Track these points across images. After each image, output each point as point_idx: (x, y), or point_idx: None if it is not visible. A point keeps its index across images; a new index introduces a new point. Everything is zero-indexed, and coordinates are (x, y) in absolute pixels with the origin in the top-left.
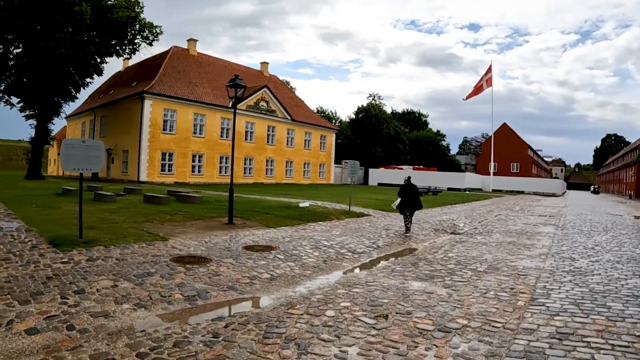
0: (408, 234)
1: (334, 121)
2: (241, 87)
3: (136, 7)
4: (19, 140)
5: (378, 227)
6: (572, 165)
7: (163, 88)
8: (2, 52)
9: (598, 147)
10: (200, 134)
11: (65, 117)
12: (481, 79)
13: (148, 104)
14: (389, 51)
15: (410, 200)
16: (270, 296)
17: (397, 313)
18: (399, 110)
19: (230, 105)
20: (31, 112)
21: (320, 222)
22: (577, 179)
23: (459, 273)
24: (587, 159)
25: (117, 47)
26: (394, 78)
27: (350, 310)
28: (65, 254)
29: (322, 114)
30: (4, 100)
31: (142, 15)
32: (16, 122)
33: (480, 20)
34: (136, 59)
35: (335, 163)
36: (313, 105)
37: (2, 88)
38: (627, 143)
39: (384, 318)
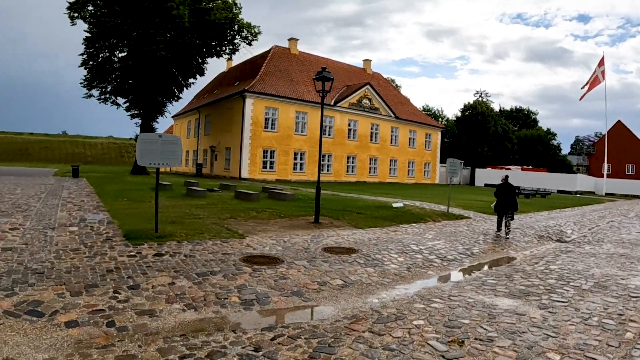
0: (509, 237)
1: (440, 119)
2: (328, 79)
3: (234, 8)
4: (131, 138)
5: (476, 232)
6: None
7: (264, 87)
8: (107, 56)
9: None
10: (302, 131)
11: (172, 116)
12: (593, 73)
13: (249, 102)
14: (495, 47)
15: (508, 200)
16: (336, 306)
17: (475, 339)
18: (507, 107)
19: (332, 103)
20: (136, 112)
21: (413, 224)
22: None
23: (559, 291)
24: None
25: (217, 48)
26: (502, 74)
27: (421, 331)
28: (135, 248)
29: (427, 112)
30: (111, 100)
31: (240, 16)
32: (129, 121)
33: (589, 11)
34: (239, 59)
35: (441, 162)
36: (419, 104)
37: (108, 89)
38: None
39: (458, 345)
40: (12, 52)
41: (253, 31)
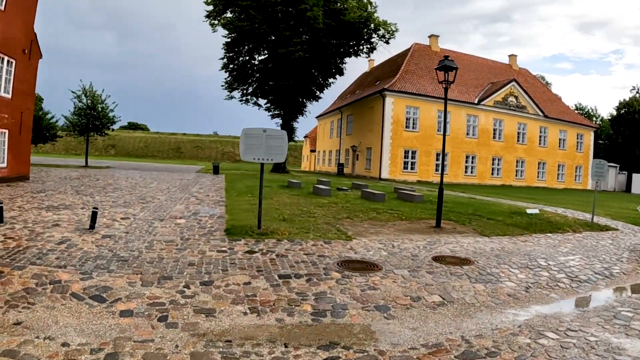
0: None
1: (594, 119)
2: (451, 69)
3: (369, 7)
4: None
5: (621, 247)
6: None
7: (404, 85)
8: (247, 60)
9: None
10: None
11: (316, 117)
12: None
13: (389, 101)
14: None
15: None
16: (420, 329)
17: None
18: None
19: (475, 101)
20: (276, 112)
21: (549, 234)
22: None
23: None
24: None
25: (355, 48)
26: None
27: None
28: (230, 243)
29: (580, 111)
30: (252, 101)
31: (375, 15)
32: (271, 122)
33: None
34: (381, 59)
35: None
36: (570, 102)
37: (249, 91)
38: None
39: None
40: (174, 58)
41: (390, 29)
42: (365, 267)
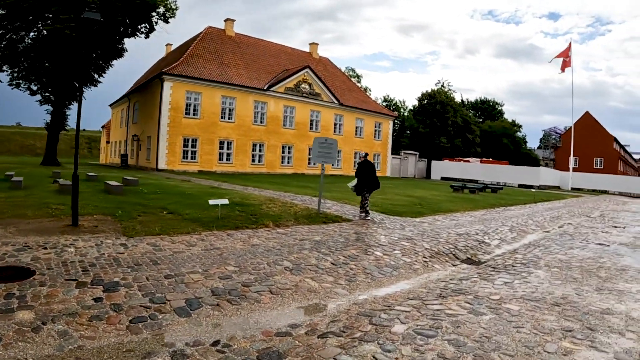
0: (368, 218)
1: (401, 110)
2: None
3: None
4: (83, 130)
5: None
6: None
7: (187, 69)
8: (17, 38)
9: None
10: (229, 118)
11: (109, 105)
12: (563, 55)
13: (168, 86)
14: (466, 42)
15: (368, 179)
16: None
17: None
18: (472, 99)
19: (264, 88)
20: (44, 97)
21: (237, 231)
22: None
23: None
24: None
25: (131, 28)
26: (474, 70)
27: None
28: None
29: (388, 103)
30: (25, 86)
31: None
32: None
33: (560, 9)
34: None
35: (395, 154)
36: (381, 95)
37: (21, 75)
38: None
39: None
40: None
41: (170, 6)
42: None
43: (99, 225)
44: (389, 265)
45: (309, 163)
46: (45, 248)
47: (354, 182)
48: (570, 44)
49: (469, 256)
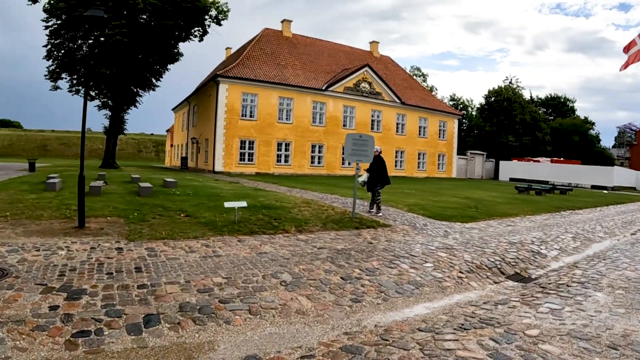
0: (380, 214)
1: (469, 109)
2: (98, 17)
3: None
4: (151, 134)
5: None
6: None
7: (242, 71)
8: (74, 46)
9: None
10: (286, 119)
11: (172, 109)
12: (635, 45)
13: (223, 88)
14: (535, 38)
15: (380, 175)
16: None
17: None
18: (542, 96)
19: (322, 88)
20: (103, 102)
21: (256, 235)
22: None
23: None
24: None
25: (185, 32)
26: (543, 66)
27: None
28: None
29: (455, 102)
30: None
31: None
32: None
33: (630, 0)
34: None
35: (461, 154)
36: (448, 94)
37: (79, 81)
38: None
39: None
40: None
41: (221, 9)
42: None
43: (105, 227)
44: (412, 282)
45: None
46: (38, 250)
47: (364, 176)
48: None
49: (518, 271)
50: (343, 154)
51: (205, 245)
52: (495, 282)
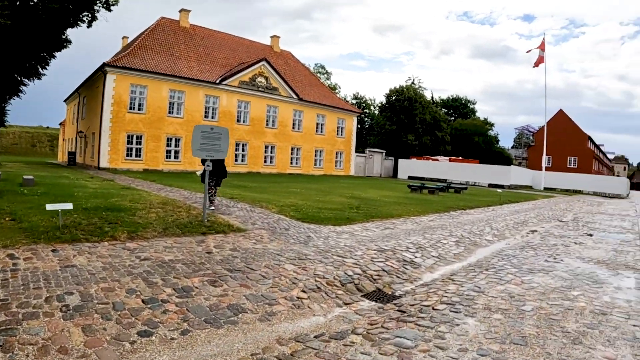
0: (212, 208)
1: (372, 108)
2: None
3: None
4: (47, 127)
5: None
6: (635, 164)
7: (133, 60)
8: None
9: None
10: (177, 113)
11: (64, 100)
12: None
13: (111, 78)
14: (442, 43)
15: (217, 168)
16: None
17: None
18: (444, 97)
19: (216, 81)
20: None
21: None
22: None
23: None
24: None
25: (75, 17)
26: (449, 71)
27: None
28: None
29: (358, 100)
30: None
31: None
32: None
33: (534, 11)
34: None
35: (360, 152)
36: (351, 92)
37: None
38: None
39: None
40: None
41: None
42: None
43: None
44: (232, 307)
45: (265, 161)
46: None
47: (202, 170)
48: (544, 40)
49: (380, 287)
50: (236, 150)
51: (9, 255)
52: (346, 304)
